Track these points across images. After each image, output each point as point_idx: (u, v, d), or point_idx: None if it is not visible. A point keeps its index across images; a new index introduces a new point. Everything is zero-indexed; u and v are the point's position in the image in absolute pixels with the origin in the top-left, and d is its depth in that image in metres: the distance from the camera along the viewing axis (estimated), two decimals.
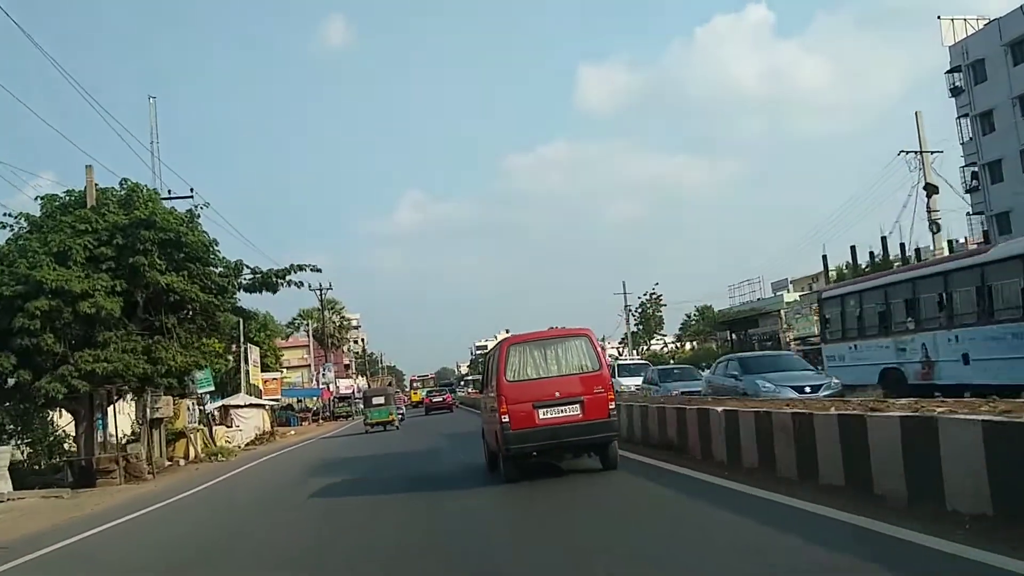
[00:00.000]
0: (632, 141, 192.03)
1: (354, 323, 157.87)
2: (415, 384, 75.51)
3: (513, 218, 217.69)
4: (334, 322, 77.73)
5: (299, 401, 57.39)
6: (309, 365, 75.99)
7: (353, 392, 78.67)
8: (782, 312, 50.52)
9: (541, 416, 10.07)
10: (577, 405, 10.10)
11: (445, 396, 50.88)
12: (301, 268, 22.50)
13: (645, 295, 78.15)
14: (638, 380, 43.12)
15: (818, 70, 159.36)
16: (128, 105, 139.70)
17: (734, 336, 59.05)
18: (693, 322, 79.78)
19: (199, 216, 21.46)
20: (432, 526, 8.47)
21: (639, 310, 76.89)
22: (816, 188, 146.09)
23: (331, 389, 61.79)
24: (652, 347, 76.95)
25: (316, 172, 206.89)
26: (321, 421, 52.85)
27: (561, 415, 10.09)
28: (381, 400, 32.29)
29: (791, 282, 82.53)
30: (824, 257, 64.78)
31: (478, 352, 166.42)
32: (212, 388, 28.25)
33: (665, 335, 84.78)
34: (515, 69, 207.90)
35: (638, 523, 7.51)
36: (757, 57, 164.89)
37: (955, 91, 46.27)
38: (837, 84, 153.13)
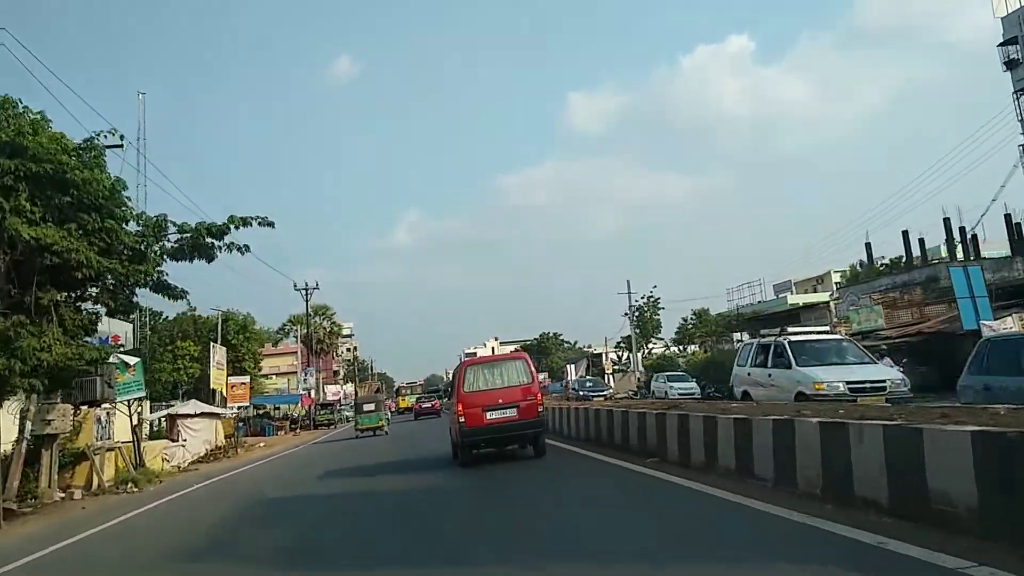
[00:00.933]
0: (620, 159, 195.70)
1: (346, 331, 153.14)
2: (403, 391, 72.27)
3: (503, 233, 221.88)
4: (324, 328, 71.95)
5: (277, 408, 51.28)
6: (297, 372, 70.23)
7: (340, 399, 72.48)
8: (832, 304, 44.12)
9: (488, 417, 13.57)
10: (515, 408, 13.57)
11: (433, 402, 52.73)
12: (246, 222, 16.25)
13: (643, 298, 72.74)
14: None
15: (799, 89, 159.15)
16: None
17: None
18: (690, 326, 74.99)
19: (103, 152, 15.35)
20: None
21: (636, 313, 72.39)
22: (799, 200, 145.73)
23: (313, 395, 56.56)
24: (653, 350, 72.14)
25: (320, 193, 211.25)
26: (299, 430, 47.03)
27: (503, 416, 13.58)
28: (372, 407, 34.21)
29: (794, 284, 76.99)
30: (868, 245, 59.27)
31: (467, 358, 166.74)
32: (142, 394, 21.98)
33: (662, 338, 79.97)
34: (510, 94, 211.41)
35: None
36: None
37: (1010, 64, 41.94)
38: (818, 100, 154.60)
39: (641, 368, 61.24)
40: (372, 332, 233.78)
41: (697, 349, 66.66)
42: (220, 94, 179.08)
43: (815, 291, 76.38)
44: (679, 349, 72.74)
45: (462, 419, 13.41)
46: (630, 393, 43.33)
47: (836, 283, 73.06)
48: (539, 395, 13.81)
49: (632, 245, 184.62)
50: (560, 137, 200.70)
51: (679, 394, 33.59)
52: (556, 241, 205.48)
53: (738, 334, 52.12)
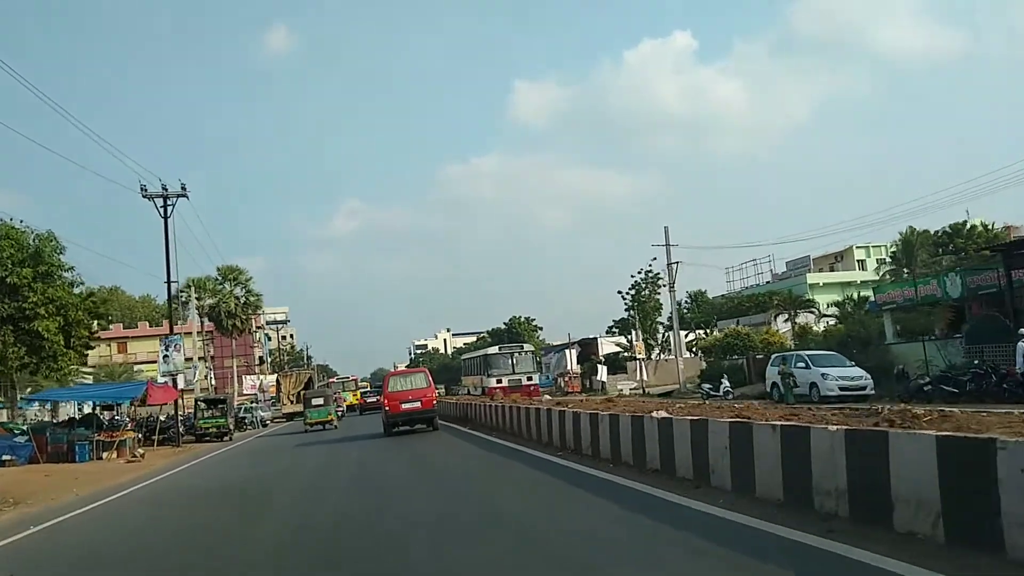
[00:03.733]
0: (563, 155, 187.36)
1: (280, 316, 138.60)
2: (333, 386, 59.09)
3: (448, 224, 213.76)
4: (236, 298, 58.53)
5: (112, 408, 29.56)
6: (204, 357, 57.45)
7: (256, 393, 60.27)
8: None
9: (403, 407, 23.19)
10: (419, 402, 23.19)
11: (379, 397, 47.52)
12: None
13: (640, 272, 61.25)
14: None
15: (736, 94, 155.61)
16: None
17: None
18: (686, 311, 64.57)
19: None
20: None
21: (631, 292, 60.39)
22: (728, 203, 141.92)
23: (191, 383, 40.38)
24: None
25: (254, 176, 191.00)
26: (139, 455, 24.59)
27: (412, 406, 23.17)
28: (321, 401, 34.67)
29: (812, 260, 67.88)
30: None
31: (417, 352, 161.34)
32: None
33: (663, 322, 69.20)
34: (451, 82, 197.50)
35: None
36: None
37: None
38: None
39: (688, 353, 49.70)
40: (315, 325, 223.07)
41: (702, 334, 55.44)
42: (146, 61, 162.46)
43: (832, 269, 67.45)
44: (706, 333, 59.85)
45: (387, 408, 23.80)
46: (706, 391, 31.46)
47: (859, 260, 64.34)
48: (434, 394, 24.82)
49: (585, 238, 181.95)
50: (506, 127, 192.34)
51: (841, 389, 23.19)
52: (504, 233, 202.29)
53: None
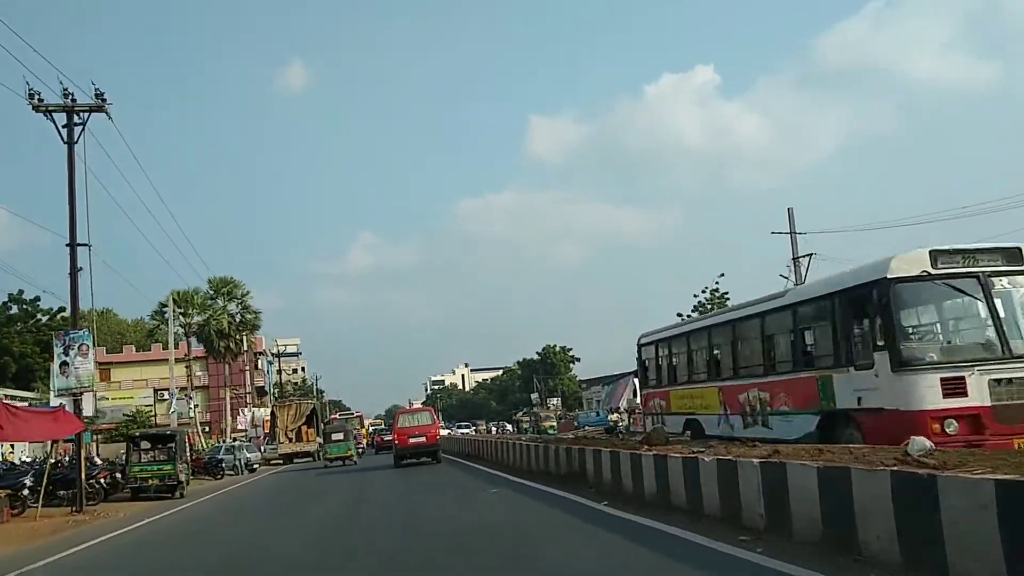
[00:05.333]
0: (579, 191, 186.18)
1: (291, 348, 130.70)
2: (334, 422, 49.15)
3: (464, 258, 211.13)
4: (230, 314, 48.35)
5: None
6: (187, 388, 48.44)
7: (246, 429, 51.25)
8: None
9: (410, 441, 26.46)
10: (424, 437, 26.49)
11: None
12: None
13: (704, 291, 54.24)
14: None
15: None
16: None
17: None
18: None
19: None
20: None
21: (697, 311, 53.15)
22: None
23: (182, 415, 34.41)
24: None
25: (268, 210, 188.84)
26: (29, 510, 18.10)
27: (418, 441, 26.42)
28: (341, 436, 34.10)
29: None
30: None
31: (434, 387, 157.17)
32: None
33: None
34: (469, 117, 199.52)
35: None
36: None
37: None
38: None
39: None
40: (329, 360, 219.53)
41: None
42: (164, 96, 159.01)
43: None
44: None
45: (397, 442, 27.08)
46: None
47: None
48: (438, 430, 29.14)
49: (599, 276, 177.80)
50: (522, 164, 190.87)
51: None
52: (520, 266, 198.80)
53: None
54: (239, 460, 33.57)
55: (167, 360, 41.44)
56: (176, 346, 44.54)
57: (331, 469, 30.19)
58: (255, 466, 35.66)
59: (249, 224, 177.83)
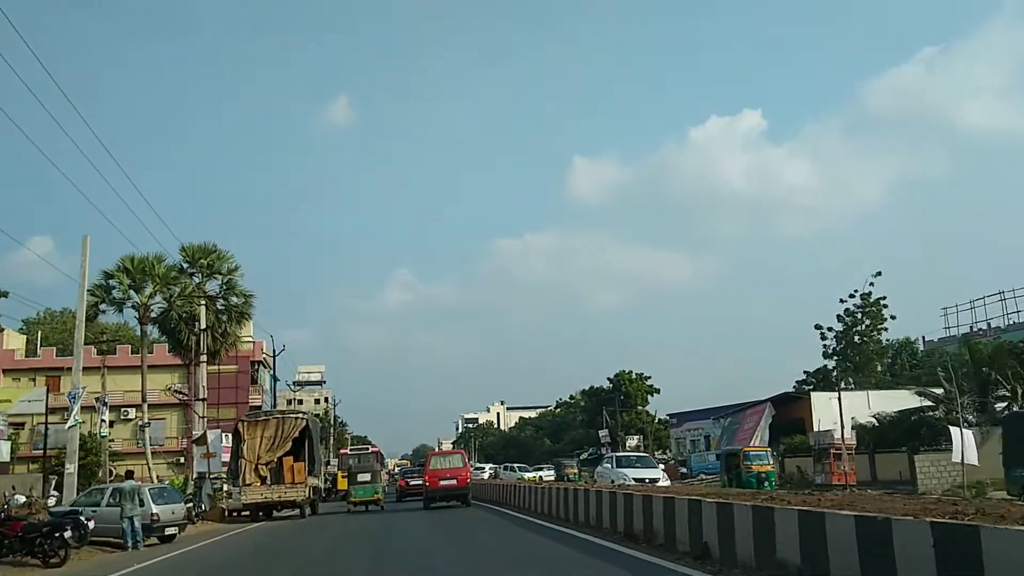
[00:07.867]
0: (619, 232, 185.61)
1: (314, 376, 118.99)
2: (346, 458, 41.06)
3: (500, 301, 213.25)
4: (208, 295, 34.03)
5: None
6: (184, 402, 34.77)
7: (208, 460, 34.23)
8: None
9: (441, 483, 26.63)
10: (455, 480, 26.65)
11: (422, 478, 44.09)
12: None
13: (853, 295, 45.37)
14: None
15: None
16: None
17: None
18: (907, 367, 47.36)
19: None
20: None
21: (842, 330, 45.17)
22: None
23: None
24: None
25: (303, 246, 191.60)
26: None
27: (448, 483, 26.61)
28: (368, 477, 30.33)
29: None
30: None
31: (467, 425, 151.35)
32: None
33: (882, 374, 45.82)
34: (511, 156, 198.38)
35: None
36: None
37: None
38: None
39: None
40: (358, 398, 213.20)
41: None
42: (202, 130, 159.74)
43: None
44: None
45: (427, 484, 27.20)
46: None
47: None
48: (468, 474, 28.74)
49: (634, 320, 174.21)
50: (563, 205, 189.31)
51: None
52: (558, 307, 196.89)
53: None
54: (131, 519, 17.23)
55: (138, 367, 31.67)
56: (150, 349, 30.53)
57: (348, 525, 22.98)
58: (172, 530, 18.92)
59: (283, 258, 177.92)
